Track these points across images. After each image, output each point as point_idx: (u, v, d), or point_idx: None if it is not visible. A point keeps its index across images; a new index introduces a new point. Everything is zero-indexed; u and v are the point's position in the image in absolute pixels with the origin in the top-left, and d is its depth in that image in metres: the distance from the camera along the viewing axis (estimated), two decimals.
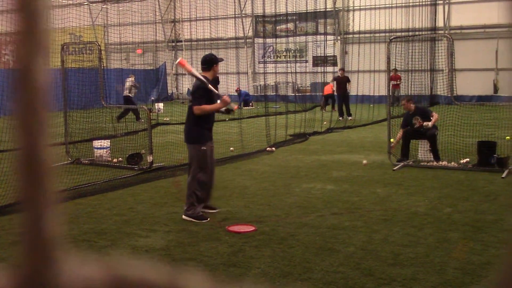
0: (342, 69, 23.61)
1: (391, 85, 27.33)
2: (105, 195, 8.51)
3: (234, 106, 7.35)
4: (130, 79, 21.80)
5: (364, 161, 11.07)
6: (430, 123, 10.92)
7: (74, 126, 13.13)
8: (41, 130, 0.51)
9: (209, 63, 7.20)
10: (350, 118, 20.96)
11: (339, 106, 21.85)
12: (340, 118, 20.87)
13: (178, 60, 7.57)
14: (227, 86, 30.11)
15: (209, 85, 7.01)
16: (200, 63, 7.42)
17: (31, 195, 0.51)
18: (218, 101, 7.15)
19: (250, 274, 5.05)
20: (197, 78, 7.09)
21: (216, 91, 7.20)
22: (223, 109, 7.34)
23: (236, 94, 29.96)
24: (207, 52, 9.96)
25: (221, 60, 7.51)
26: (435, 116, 11.11)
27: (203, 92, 6.96)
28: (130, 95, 21.43)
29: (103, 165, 11.24)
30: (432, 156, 11.02)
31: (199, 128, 7.01)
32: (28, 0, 0.50)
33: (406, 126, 11.19)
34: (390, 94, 25.12)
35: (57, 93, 12.07)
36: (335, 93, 22.52)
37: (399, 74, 25.55)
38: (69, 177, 9.59)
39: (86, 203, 7.96)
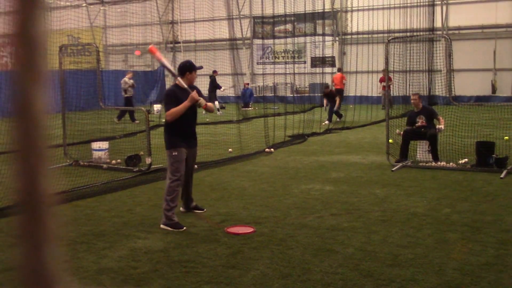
0: (327, 87, 23.02)
1: (381, 87, 26.62)
2: (103, 197, 8.50)
3: (203, 102, 6.98)
4: (126, 78, 21.73)
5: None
6: (442, 127, 10.97)
7: (73, 128, 13.12)
8: (40, 163, 0.51)
9: (182, 70, 7.03)
10: (326, 122, 20.09)
11: (336, 109, 21.47)
12: (338, 119, 20.74)
13: (149, 47, 7.23)
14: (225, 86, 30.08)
15: (179, 80, 6.93)
16: (199, 66, 7.38)
17: (31, 232, 0.50)
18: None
19: (249, 276, 5.05)
20: (166, 68, 7.07)
21: (189, 90, 6.90)
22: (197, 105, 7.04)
23: (245, 89, 29.93)
24: (205, 53, 9.90)
25: (199, 68, 7.34)
26: (442, 120, 11.09)
27: (170, 99, 6.89)
28: (128, 95, 21.43)
29: (102, 167, 11.23)
30: (431, 157, 11.02)
31: (170, 134, 6.95)
32: (26, 29, 0.50)
33: (411, 124, 11.18)
34: (382, 96, 24.04)
35: (55, 95, 12.06)
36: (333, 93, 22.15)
37: (390, 76, 25.34)
38: (67, 179, 9.59)
39: (84, 205, 7.95)
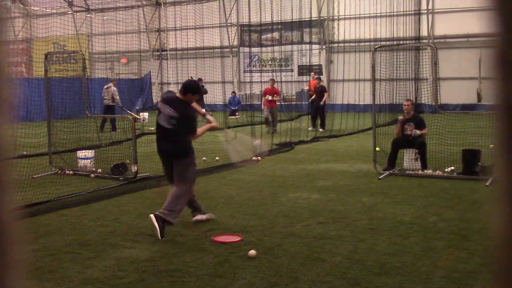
0: (319, 78, 22.31)
1: (264, 103, 19.76)
2: (89, 206, 8.42)
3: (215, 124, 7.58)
4: (111, 87, 21.53)
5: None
6: (419, 132, 11.00)
7: (58, 136, 13.01)
8: (1, 181, 0.48)
9: (186, 89, 7.04)
10: (321, 130, 19.73)
11: (313, 116, 20.95)
12: (311, 128, 20.16)
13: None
14: (213, 95, 30.09)
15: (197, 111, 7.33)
16: (205, 90, 7.49)
17: None
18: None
19: (236, 285, 5.01)
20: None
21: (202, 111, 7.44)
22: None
23: (231, 97, 29.97)
24: (191, 61, 9.91)
25: (204, 92, 7.56)
26: (425, 130, 11.14)
27: (195, 121, 7.10)
28: (111, 104, 21.27)
29: (87, 175, 11.13)
30: (418, 165, 11.06)
31: (189, 142, 7.03)
32: None
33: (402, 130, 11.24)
34: (264, 115, 18.78)
35: (41, 103, 11.97)
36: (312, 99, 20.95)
37: (277, 88, 21.01)
38: (52, 187, 9.49)
39: (70, 214, 7.87)
